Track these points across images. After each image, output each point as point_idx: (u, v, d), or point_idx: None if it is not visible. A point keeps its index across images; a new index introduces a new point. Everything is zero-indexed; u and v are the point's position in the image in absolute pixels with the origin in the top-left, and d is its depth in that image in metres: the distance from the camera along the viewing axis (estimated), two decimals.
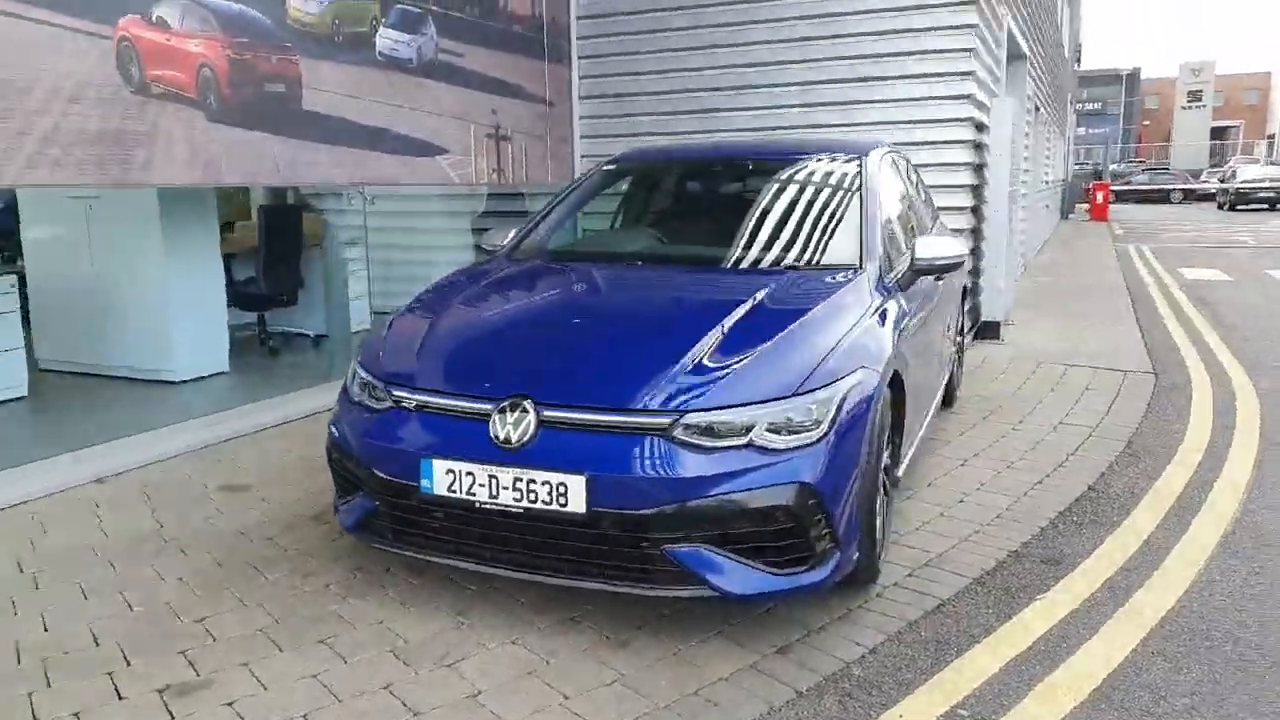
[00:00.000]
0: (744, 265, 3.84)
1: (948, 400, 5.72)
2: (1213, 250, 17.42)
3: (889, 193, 4.26)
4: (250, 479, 4.47)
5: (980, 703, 2.63)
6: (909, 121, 7.33)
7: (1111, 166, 53.16)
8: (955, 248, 3.89)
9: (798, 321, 3.13)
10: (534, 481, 2.77)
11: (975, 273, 7.92)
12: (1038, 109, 13.89)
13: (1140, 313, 9.69)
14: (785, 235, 3.96)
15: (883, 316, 3.48)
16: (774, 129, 7.66)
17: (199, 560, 3.56)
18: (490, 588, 3.26)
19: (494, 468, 2.82)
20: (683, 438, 2.75)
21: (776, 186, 4.33)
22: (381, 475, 3.03)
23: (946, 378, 5.27)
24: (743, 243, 4.00)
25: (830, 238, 3.88)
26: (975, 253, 7.90)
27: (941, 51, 7.15)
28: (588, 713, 2.56)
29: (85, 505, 4.15)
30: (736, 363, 2.91)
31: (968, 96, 7.17)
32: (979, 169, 7.74)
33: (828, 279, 3.55)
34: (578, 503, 2.73)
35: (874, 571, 3.25)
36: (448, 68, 6.83)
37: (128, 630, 3.02)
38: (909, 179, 4.92)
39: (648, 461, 2.73)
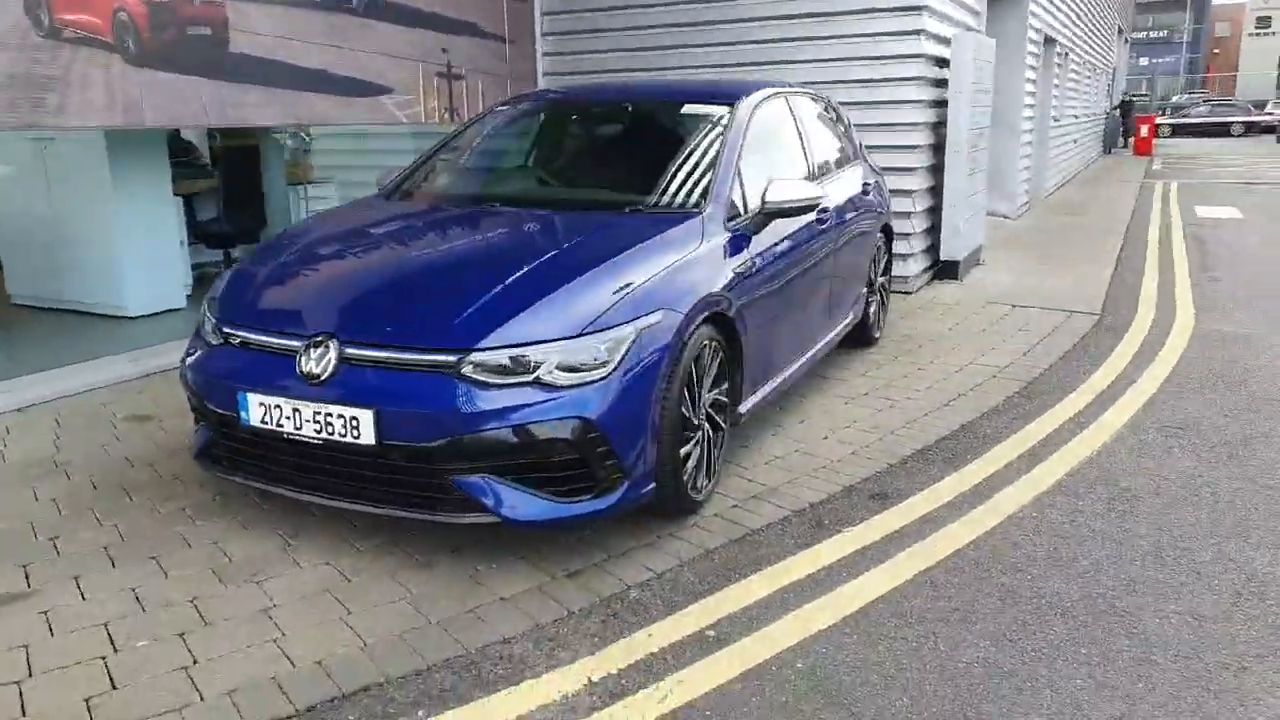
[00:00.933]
0: (590, 207, 3.92)
1: (864, 340, 5.77)
2: (1243, 187, 16.88)
3: (759, 138, 4.29)
4: (157, 411, 4.73)
5: (732, 624, 2.78)
6: (861, 58, 7.25)
7: (1174, 98, 51.20)
8: (805, 191, 3.94)
9: (601, 265, 3.24)
10: (330, 415, 2.95)
11: (934, 211, 7.87)
12: (1049, 42, 13.47)
13: (1127, 253, 9.54)
14: (639, 178, 4.03)
15: (714, 258, 3.56)
16: (736, 66, 7.61)
17: (78, 483, 3.83)
18: (329, 514, 3.47)
19: (298, 401, 3.00)
20: (469, 375, 2.89)
21: (648, 130, 4.40)
22: (212, 407, 3.24)
23: (851, 318, 5.32)
24: (598, 185, 4.09)
25: (679, 181, 3.94)
26: (935, 192, 7.85)
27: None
28: (363, 627, 2.76)
29: None
30: (529, 304, 3.04)
31: (917, 32, 7.05)
32: (938, 106, 7.64)
33: (661, 222, 3.63)
34: (368, 435, 2.91)
35: (687, 502, 3.39)
36: (394, 8, 6.89)
37: None
38: (807, 122, 4.91)
39: (430, 397, 2.89)
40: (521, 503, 2.95)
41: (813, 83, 7.23)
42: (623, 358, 3.00)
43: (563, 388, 2.92)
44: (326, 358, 3.01)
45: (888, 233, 6.00)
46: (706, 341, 3.42)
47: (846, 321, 5.26)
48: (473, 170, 4.44)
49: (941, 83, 7.67)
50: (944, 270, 8.05)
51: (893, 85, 7.21)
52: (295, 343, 3.08)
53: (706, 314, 3.38)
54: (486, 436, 2.86)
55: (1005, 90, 11.34)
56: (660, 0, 7.90)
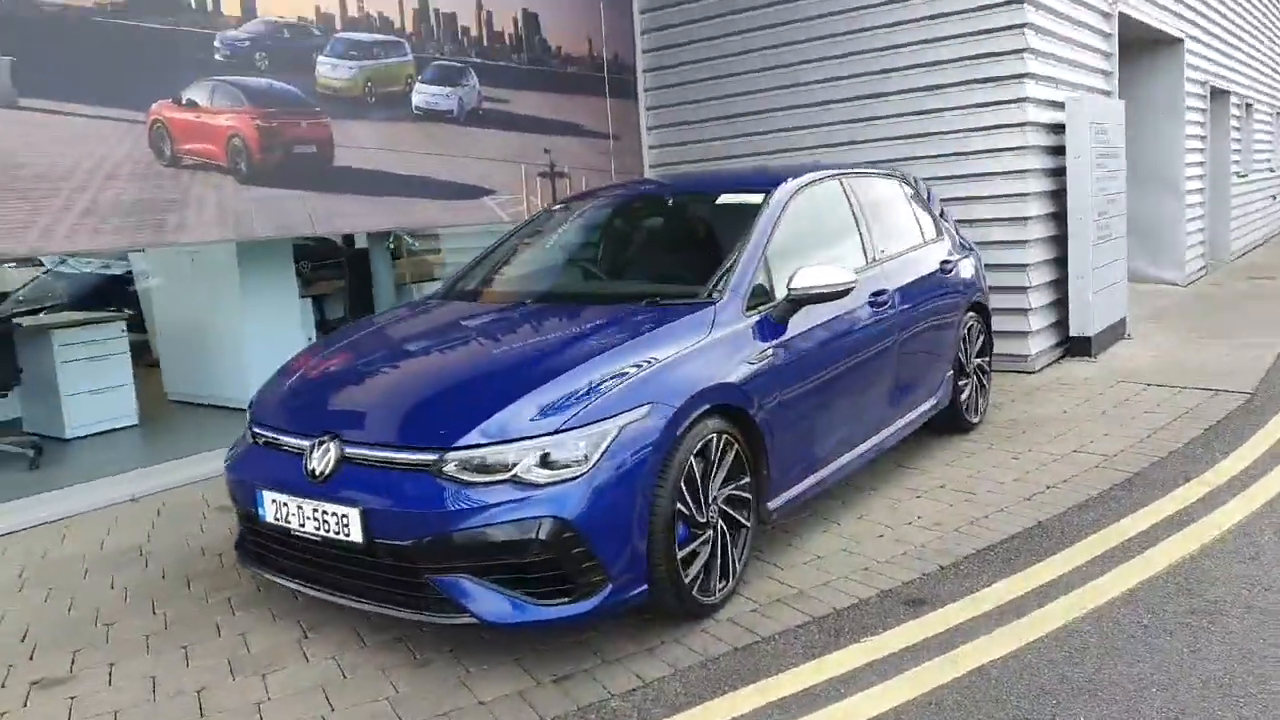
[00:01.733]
0: (612, 301, 3.93)
1: (957, 426, 5.46)
2: None
3: (798, 224, 4.21)
4: None
5: None
6: (958, 131, 7.03)
7: None
8: (835, 276, 3.80)
9: (592, 360, 3.23)
10: (326, 512, 3.06)
11: (1060, 284, 7.40)
12: (1219, 94, 12.57)
13: None
14: (667, 270, 4.04)
15: (725, 349, 3.49)
16: (833, 146, 7.53)
17: (152, 572, 4.12)
18: (350, 608, 3.56)
19: (302, 499, 3.13)
20: (449, 473, 2.94)
21: (683, 223, 4.42)
22: (240, 503, 3.43)
23: (932, 404, 5.05)
24: (625, 279, 4.12)
25: (701, 272, 3.91)
26: (1060, 264, 7.41)
27: (992, 55, 6.81)
28: (294, 715, 2.81)
29: (106, 520, 4.85)
30: (510, 401, 3.06)
31: (1020, 101, 6.76)
32: (1056, 174, 7.26)
33: (669, 314, 3.60)
34: (356, 533, 3.00)
35: (694, 606, 3.27)
36: (494, 114, 7.28)
37: (53, 628, 3.59)
38: (866, 203, 4.76)
39: (412, 495, 2.95)
40: (497, 604, 2.93)
41: (913, 158, 7.08)
42: (602, 455, 2.97)
43: (540, 485, 2.91)
44: (328, 457, 3.13)
45: (982, 311, 5.69)
46: (713, 435, 3.33)
47: (924, 408, 4.99)
48: (512, 269, 4.56)
49: (1059, 149, 7.28)
50: (1075, 347, 7.52)
51: (996, 156, 6.91)
52: (305, 442, 3.23)
53: (708, 407, 3.30)
54: (462, 536, 2.89)
55: (1162, 147, 10.67)
56: (752, 89, 7.96)
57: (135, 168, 5.23)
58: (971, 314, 5.55)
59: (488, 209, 7.22)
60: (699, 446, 3.26)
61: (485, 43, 7.25)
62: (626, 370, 3.20)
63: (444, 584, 2.94)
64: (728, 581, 3.45)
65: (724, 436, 3.39)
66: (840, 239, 4.58)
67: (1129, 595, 3.40)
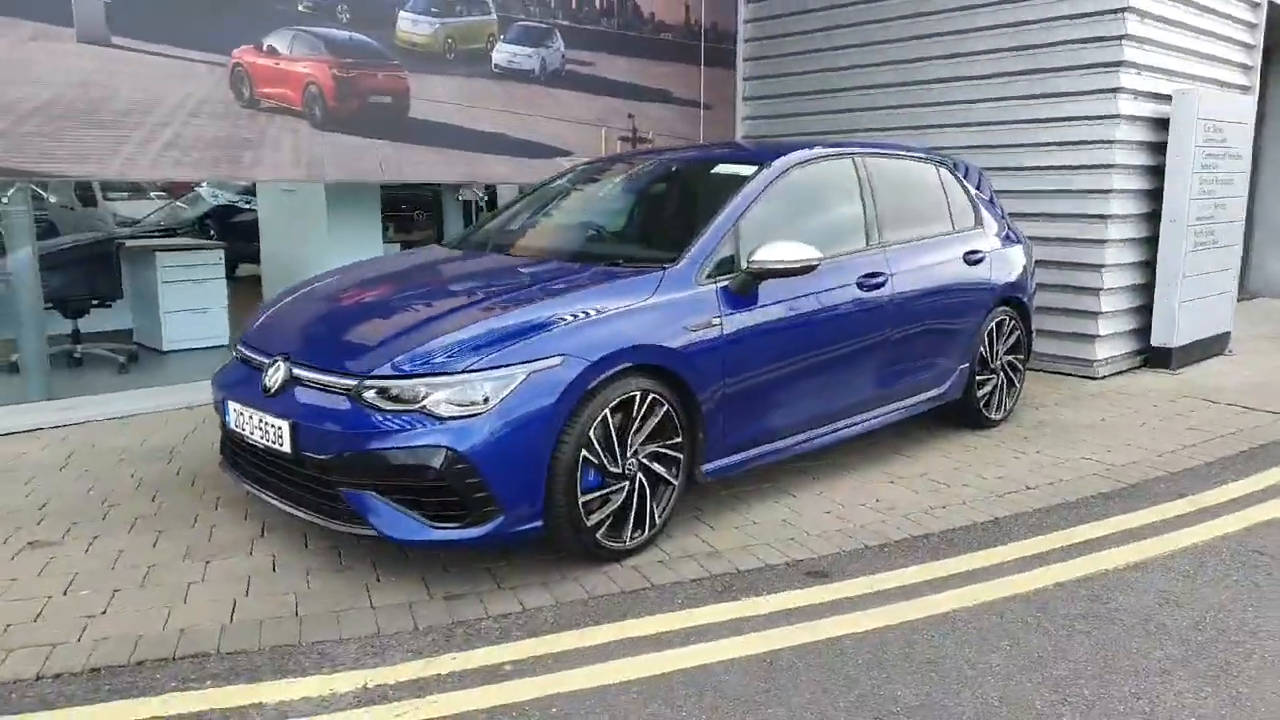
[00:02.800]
0: (581, 259, 4.09)
1: (973, 421, 5.35)
2: None
3: (788, 199, 4.25)
4: None
5: (534, 665, 2.83)
6: (1034, 120, 6.75)
7: None
8: (795, 253, 3.83)
9: (518, 309, 3.44)
10: (267, 423, 3.40)
11: (1146, 290, 7.02)
12: None
13: None
14: (646, 233, 4.17)
15: (667, 313, 3.62)
16: (917, 128, 7.36)
17: (170, 469, 4.62)
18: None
19: (254, 410, 3.49)
20: (366, 399, 3.22)
21: (676, 191, 4.53)
22: (218, 412, 3.84)
23: (935, 393, 4.98)
24: (604, 239, 4.27)
25: (670, 238, 4.02)
26: (1147, 268, 7.03)
27: (1087, 40, 6.49)
28: (245, 608, 3.15)
29: (159, 422, 5.44)
30: (429, 340, 3.31)
31: (1113, 90, 6.42)
32: (1155, 173, 6.87)
33: (618, 274, 3.75)
34: (287, 443, 3.33)
35: (595, 548, 3.44)
36: (577, 76, 7.51)
37: (68, 503, 4.12)
38: (882, 186, 4.71)
39: (332, 414, 3.25)
40: (397, 521, 3.20)
41: (992, 146, 6.86)
42: (505, 397, 3.17)
43: (445, 419, 3.15)
44: (278, 374, 3.48)
45: (1018, 307, 5.51)
46: (636, 392, 3.47)
47: (923, 398, 4.92)
48: (511, 224, 4.77)
49: (1161, 146, 6.87)
50: (1155, 358, 7.13)
51: (1078, 149, 6.60)
52: (265, 360, 3.59)
53: (629, 365, 3.44)
54: (369, 455, 3.16)
55: None
56: (847, 64, 7.84)
57: (215, 107, 5.75)
58: (1004, 309, 5.40)
59: (561, 169, 7.46)
60: (617, 400, 3.41)
61: (574, 5, 7.46)
62: (551, 322, 3.39)
63: (353, 498, 3.23)
64: (643, 531, 3.60)
65: (650, 395, 3.52)
66: (840, 218, 4.58)
67: (1033, 594, 3.34)
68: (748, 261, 3.87)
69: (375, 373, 3.23)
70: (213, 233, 10.80)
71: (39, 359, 5.60)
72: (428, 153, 6.71)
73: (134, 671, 2.76)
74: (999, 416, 5.48)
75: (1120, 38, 6.36)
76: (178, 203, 10.34)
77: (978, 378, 5.28)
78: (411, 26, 6.56)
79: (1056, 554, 3.70)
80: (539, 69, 7.27)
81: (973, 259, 5.14)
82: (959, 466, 4.75)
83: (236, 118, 5.84)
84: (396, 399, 3.19)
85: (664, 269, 3.77)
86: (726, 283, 3.86)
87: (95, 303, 6.59)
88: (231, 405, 3.62)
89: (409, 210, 9.08)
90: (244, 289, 8.89)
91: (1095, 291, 6.68)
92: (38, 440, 5.04)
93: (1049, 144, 6.73)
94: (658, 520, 3.66)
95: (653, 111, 8.07)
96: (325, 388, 3.33)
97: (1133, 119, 6.58)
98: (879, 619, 3.14)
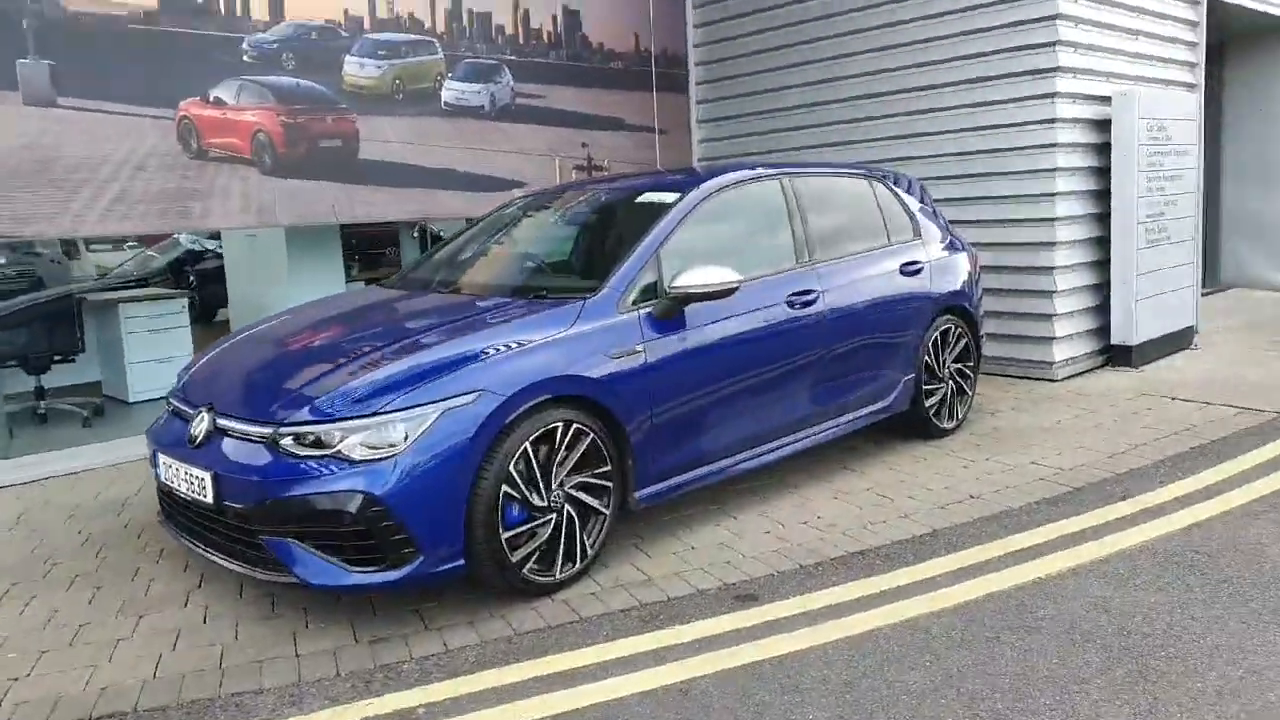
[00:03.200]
0: (506, 293, 4.13)
1: (923, 431, 5.36)
2: None
3: (708, 225, 4.29)
4: None
5: (451, 707, 2.84)
6: (980, 128, 6.80)
7: None
8: (715, 277, 3.87)
9: (433, 347, 3.47)
10: (191, 474, 3.43)
11: (1102, 289, 7.04)
12: None
13: None
14: (568, 264, 4.20)
15: (586, 343, 3.64)
16: (867, 141, 7.40)
17: (118, 522, 4.64)
18: None
19: (179, 462, 3.52)
20: (284, 446, 3.24)
21: (601, 220, 4.56)
22: (151, 465, 3.87)
23: (878, 406, 4.99)
24: (535, 273, 4.32)
25: (590, 268, 4.06)
26: (1103, 267, 7.05)
27: (1020, 49, 6.54)
28: (170, 663, 3.16)
29: (114, 475, 5.46)
30: (343, 384, 3.34)
31: (1049, 96, 6.47)
32: (1101, 173, 6.91)
33: (536, 306, 3.79)
34: (209, 494, 3.35)
35: (522, 584, 3.45)
36: (528, 109, 7.58)
37: (12, 563, 4.13)
38: (810, 205, 4.74)
39: (249, 463, 3.27)
40: (318, 567, 3.21)
41: (935, 156, 6.91)
42: (418, 437, 3.19)
43: (359, 462, 3.17)
44: (202, 425, 3.50)
45: (963, 315, 5.53)
46: (559, 424, 3.49)
47: (866, 411, 4.94)
48: (441, 261, 4.80)
49: (1106, 147, 6.91)
50: (1116, 356, 7.14)
51: (1023, 154, 6.64)
52: (191, 411, 3.62)
53: (549, 396, 3.46)
54: (286, 502, 3.18)
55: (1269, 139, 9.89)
56: (795, 82, 7.90)
57: (163, 160, 5.82)
58: (948, 317, 5.42)
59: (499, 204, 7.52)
60: (538, 433, 3.43)
61: (521, 40, 7.55)
62: (467, 358, 3.42)
63: (274, 545, 3.25)
64: (574, 564, 3.61)
65: (574, 426, 3.54)
66: (768, 239, 4.62)
67: (962, 606, 3.34)
68: (669, 287, 3.90)
69: (291, 419, 3.26)
70: (191, 279, 10.88)
71: None
72: (379, 192, 6.77)
73: None
74: (950, 425, 5.49)
75: (1053, 44, 6.41)
76: (149, 251, 10.44)
77: (925, 387, 5.29)
78: (358, 70, 6.64)
79: (992, 564, 3.70)
80: (488, 104, 7.34)
81: (910, 270, 5.16)
82: (905, 479, 4.76)
83: (185, 169, 5.91)
84: (313, 444, 3.22)
85: (584, 299, 3.80)
86: (650, 309, 3.89)
87: (56, 358, 6.63)
88: (161, 458, 3.65)
89: (373, 248, 9.16)
90: (220, 334, 8.92)
91: (1049, 294, 6.70)
92: None
93: (995, 150, 6.77)
94: (589, 551, 3.67)
95: (607, 140, 8.14)
96: (245, 437, 3.36)
97: (1074, 122, 6.63)
98: (803, 641, 3.14)
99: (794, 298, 4.46)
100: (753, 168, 4.75)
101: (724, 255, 4.21)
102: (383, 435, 3.19)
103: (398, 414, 3.22)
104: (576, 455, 3.58)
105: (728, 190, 4.48)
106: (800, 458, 4.76)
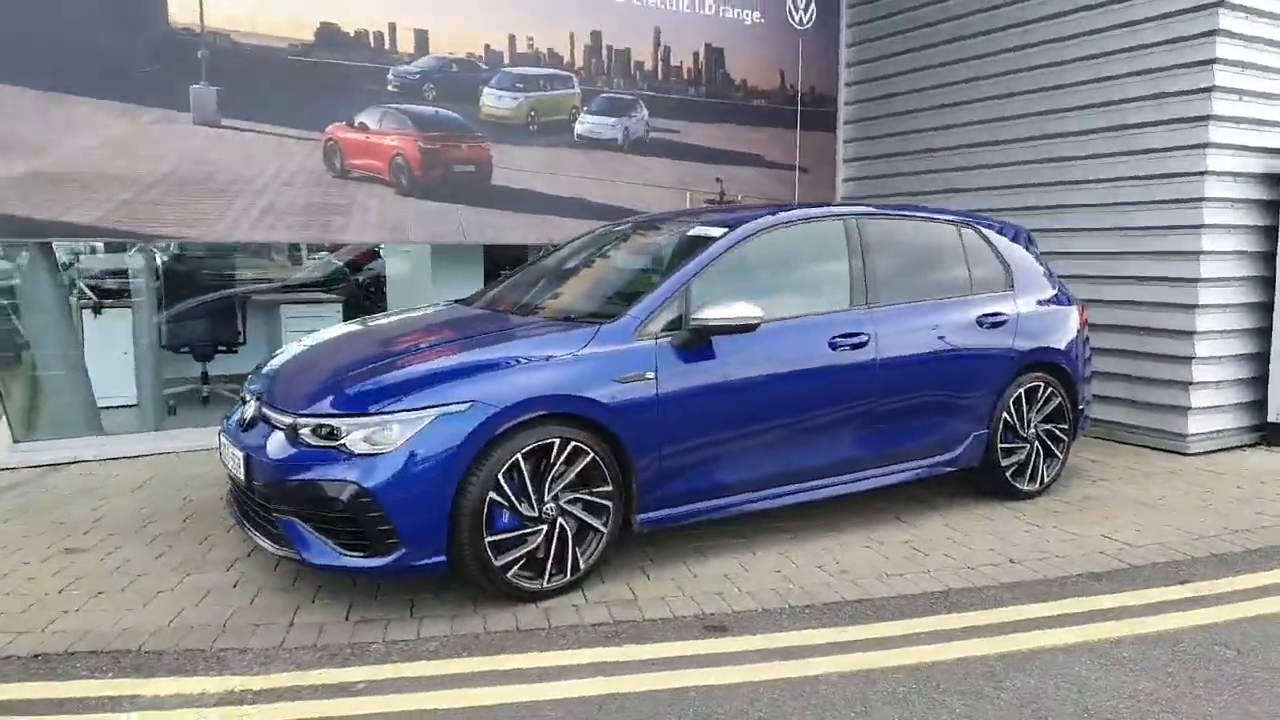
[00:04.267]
0: (541, 313, 4.35)
1: (1007, 492, 5.10)
2: None
3: (751, 262, 4.34)
4: None
5: (382, 686, 3.05)
6: (1118, 179, 6.39)
7: None
8: (735, 312, 3.92)
9: (443, 358, 3.74)
10: (235, 454, 3.86)
11: (1262, 360, 6.41)
12: None
13: None
14: (610, 292, 4.37)
15: (593, 366, 3.80)
16: (1011, 187, 7.13)
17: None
18: None
19: (230, 444, 3.96)
20: (301, 435, 3.60)
21: (654, 252, 4.68)
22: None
23: (940, 459, 4.81)
24: (576, 298, 4.51)
25: (624, 297, 4.20)
26: (1264, 335, 6.43)
27: (1175, 94, 6.12)
28: (171, 616, 3.57)
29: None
30: (355, 384, 3.66)
31: (1199, 147, 6.01)
32: (1272, 233, 6.32)
33: (558, 328, 3.99)
34: (243, 472, 3.76)
35: (506, 588, 3.62)
36: (662, 143, 7.82)
37: (118, 519, 4.74)
38: (875, 248, 4.67)
39: (270, 448, 3.65)
40: (314, 547, 3.53)
41: (1073, 205, 6.57)
42: (410, 438, 3.45)
43: (358, 456, 3.47)
44: (250, 411, 3.94)
45: (1055, 373, 5.22)
46: (555, 440, 3.66)
47: (925, 462, 4.77)
48: (520, 282, 5.04)
49: (1272, 204, 6.32)
50: (1272, 435, 6.46)
51: (1164, 208, 6.18)
52: (248, 400, 4.07)
53: (545, 413, 3.64)
54: (293, 485, 3.52)
55: None
56: (944, 123, 7.70)
57: (308, 177, 6.48)
58: (1039, 374, 5.14)
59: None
60: (532, 447, 3.62)
61: (660, 76, 7.81)
62: (470, 368, 3.66)
63: (284, 523, 3.60)
64: (564, 575, 3.75)
65: (571, 444, 3.70)
66: (819, 279, 4.60)
67: (925, 666, 3.21)
68: (691, 319, 3.98)
69: (309, 411, 3.61)
70: (364, 284, 11.78)
71: (151, 396, 6.46)
72: (506, 216, 7.19)
73: (64, 659, 3.22)
74: (1033, 488, 5.18)
75: (1208, 89, 5.94)
76: (331, 257, 11.50)
77: (1003, 446, 5.04)
78: (495, 101, 7.11)
79: (989, 629, 3.52)
80: (621, 137, 7.64)
81: (990, 322, 4.95)
82: (953, 536, 4.56)
83: (328, 186, 6.56)
84: (325, 436, 3.54)
85: (600, 324, 3.96)
86: (670, 339, 3.99)
87: (220, 349, 7.48)
88: (223, 439, 4.11)
89: (514, 266, 9.65)
90: None
91: (1186, 360, 6.17)
92: (134, 465, 5.82)
93: (1135, 204, 6.34)
94: (581, 566, 3.79)
95: (744, 175, 8.24)
96: (276, 425, 3.74)
97: (1233, 175, 6.10)
98: (742, 676, 3.13)
99: (840, 339, 4.41)
100: (814, 208, 4.74)
101: (762, 293, 4.25)
102: (381, 433, 3.47)
103: (395, 415, 3.49)
104: (574, 472, 3.72)
105: (777, 230, 4.51)
106: (854, 502, 4.70)
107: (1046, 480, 5.25)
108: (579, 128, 7.46)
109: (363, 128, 6.65)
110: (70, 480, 5.47)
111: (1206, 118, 5.97)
